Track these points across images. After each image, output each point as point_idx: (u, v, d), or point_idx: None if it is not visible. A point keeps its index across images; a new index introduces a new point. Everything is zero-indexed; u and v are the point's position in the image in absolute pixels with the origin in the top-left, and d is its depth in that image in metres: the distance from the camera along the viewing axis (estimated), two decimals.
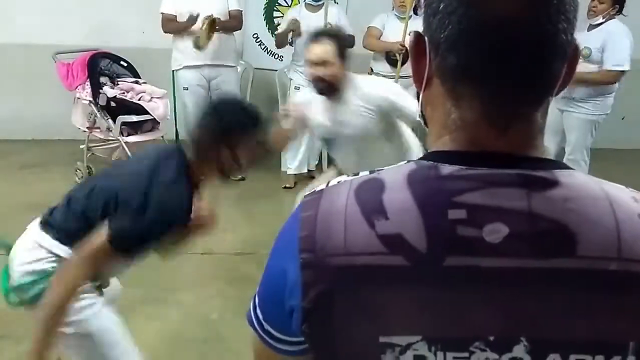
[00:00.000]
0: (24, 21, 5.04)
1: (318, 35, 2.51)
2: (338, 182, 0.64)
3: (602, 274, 0.54)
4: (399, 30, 4.11)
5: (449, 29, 0.56)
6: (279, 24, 4.56)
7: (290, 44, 4.44)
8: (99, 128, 4.20)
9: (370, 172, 0.63)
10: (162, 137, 4.33)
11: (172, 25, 4.22)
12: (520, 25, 0.54)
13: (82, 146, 4.27)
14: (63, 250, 1.68)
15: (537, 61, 0.56)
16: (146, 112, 4.09)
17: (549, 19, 0.55)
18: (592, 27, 3.73)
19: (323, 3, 4.24)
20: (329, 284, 0.58)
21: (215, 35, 4.19)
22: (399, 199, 0.58)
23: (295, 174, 4.62)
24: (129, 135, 4.16)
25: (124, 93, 4.17)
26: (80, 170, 4.32)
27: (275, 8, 5.23)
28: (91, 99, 4.09)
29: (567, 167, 0.60)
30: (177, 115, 4.61)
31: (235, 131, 1.75)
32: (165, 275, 3.09)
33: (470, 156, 0.58)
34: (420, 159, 0.62)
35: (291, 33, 4.25)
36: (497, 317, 0.55)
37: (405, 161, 0.63)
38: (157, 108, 4.12)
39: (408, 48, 0.63)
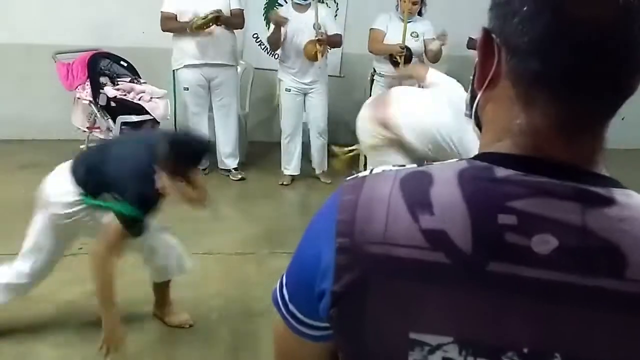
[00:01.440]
0: (24, 21, 5.04)
1: None
2: (383, 170, 0.62)
3: None
4: (401, 31, 4.11)
5: (532, 33, 0.54)
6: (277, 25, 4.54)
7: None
8: (99, 128, 4.20)
9: (419, 165, 0.62)
10: None
11: (171, 24, 4.22)
12: (604, 34, 0.52)
13: (82, 146, 4.26)
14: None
15: (617, 71, 0.54)
16: (146, 112, 4.09)
17: (633, 32, 0.53)
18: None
19: (309, 3, 4.23)
20: (364, 271, 0.57)
21: (216, 35, 4.20)
22: (447, 195, 0.56)
23: (292, 175, 4.63)
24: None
25: (124, 93, 4.17)
26: None
27: (275, 8, 5.23)
28: (91, 99, 4.09)
29: (623, 187, 0.58)
30: (177, 115, 4.61)
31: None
32: None
33: (528, 162, 0.56)
34: (474, 158, 0.60)
35: (278, 27, 4.22)
36: (533, 330, 0.54)
37: (457, 159, 0.61)
38: (157, 108, 4.12)
39: (476, 47, 0.62)
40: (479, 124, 0.65)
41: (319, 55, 4.20)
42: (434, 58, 4.22)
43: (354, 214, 0.58)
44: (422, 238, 0.55)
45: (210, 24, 4.12)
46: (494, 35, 0.59)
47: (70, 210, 2.26)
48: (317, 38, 4.14)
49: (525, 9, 0.55)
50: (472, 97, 0.64)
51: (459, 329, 0.55)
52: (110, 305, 2.18)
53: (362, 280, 0.57)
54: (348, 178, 0.64)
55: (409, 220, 0.56)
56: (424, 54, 4.29)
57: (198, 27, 4.08)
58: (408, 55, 4.13)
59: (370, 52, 4.31)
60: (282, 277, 0.69)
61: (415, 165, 0.62)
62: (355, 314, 0.58)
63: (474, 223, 0.54)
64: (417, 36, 4.19)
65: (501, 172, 0.56)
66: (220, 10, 4.15)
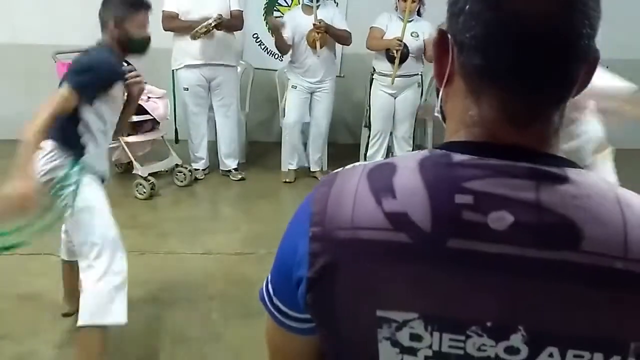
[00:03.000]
0: (24, 21, 5.04)
1: None
2: (354, 165, 0.67)
3: (606, 271, 0.54)
4: (401, 30, 4.11)
5: (474, 30, 0.57)
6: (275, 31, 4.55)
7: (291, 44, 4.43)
8: None
9: (385, 158, 0.67)
10: (162, 137, 4.34)
11: (173, 23, 4.22)
12: (544, 28, 0.55)
13: None
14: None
15: (559, 63, 0.57)
16: (146, 112, 4.09)
17: (573, 24, 0.56)
18: None
19: (319, 4, 4.24)
20: (334, 255, 0.60)
21: (216, 35, 4.21)
22: (409, 181, 0.59)
23: (295, 170, 4.63)
24: (128, 135, 4.16)
25: None
26: None
27: (275, 8, 5.23)
28: None
29: (578, 167, 0.61)
30: (177, 115, 4.61)
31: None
32: (165, 275, 3.09)
33: (483, 147, 0.60)
34: (434, 147, 0.64)
35: (284, 33, 4.23)
36: (495, 304, 0.56)
37: (419, 151, 0.65)
38: (157, 108, 4.12)
39: (432, 44, 0.65)
40: (444, 118, 0.68)
41: (317, 44, 4.21)
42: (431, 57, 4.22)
43: (326, 204, 0.62)
44: (385, 220, 0.58)
45: (212, 30, 4.13)
46: (448, 34, 0.62)
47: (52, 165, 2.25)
48: (315, 25, 4.15)
49: (467, 7, 0.58)
50: (437, 93, 0.69)
51: (424, 305, 0.58)
52: (32, 147, 2.19)
53: (332, 264, 0.60)
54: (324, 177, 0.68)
55: (373, 205, 0.59)
56: (423, 55, 4.29)
57: (203, 31, 4.10)
58: (405, 52, 4.12)
59: (368, 48, 4.31)
60: (268, 275, 0.73)
61: (381, 159, 0.68)
62: (327, 297, 0.61)
63: (432, 204, 0.57)
64: (418, 36, 4.19)
65: (458, 157, 0.60)
66: (222, 16, 4.15)
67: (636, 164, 5.07)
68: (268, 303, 0.71)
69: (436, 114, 0.70)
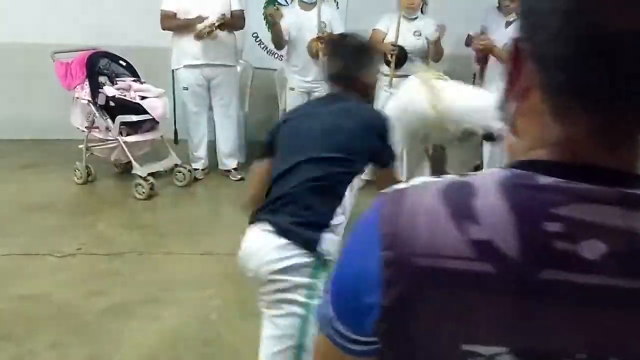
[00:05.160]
0: (24, 21, 5.04)
1: None
2: (423, 182, 0.62)
3: None
4: (406, 32, 4.10)
5: (562, 45, 0.53)
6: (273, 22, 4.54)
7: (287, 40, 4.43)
8: (97, 128, 4.19)
9: (457, 175, 0.61)
10: (162, 137, 4.33)
11: (171, 22, 4.22)
12: (638, 43, 0.51)
13: (80, 146, 4.26)
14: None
15: None
16: (145, 112, 4.08)
17: None
18: (508, 24, 3.79)
19: (315, 2, 4.23)
20: (412, 284, 0.57)
21: (217, 34, 4.21)
22: (491, 204, 0.56)
23: None
24: (128, 135, 4.16)
25: (123, 92, 4.16)
26: (79, 170, 4.31)
27: (274, 6, 5.22)
28: (90, 98, 4.08)
29: None
30: (177, 114, 4.61)
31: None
32: (165, 275, 3.09)
33: (569, 169, 0.56)
34: (513, 166, 0.59)
35: (283, 30, 4.22)
36: (587, 336, 0.54)
37: (495, 168, 0.61)
38: (156, 108, 4.11)
39: (504, 55, 0.62)
40: (512, 131, 0.64)
41: (321, 54, 4.21)
42: (436, 55, 4.21)
43: (398, 226, 0.58)
44: (469, 249, 0.55)
45: (215, 30, 4.13)
46: (522, 46, 0.58)
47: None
48: (318, 35, 4.14)
49: (553, 20, 0.53)
50: (503, 106, 0.64)
51: (513, 338, 0.55)
52: None
53: (410, 293, 0.57)
54: (384, 190, 0.63)
55: (454, 232, 0.55)
56: (428, 54, 4.28)
57: (204, 35, 4.10)
58: (402, 55, 4.10)
59: None
60: (325, 297, 0.69)
61: (453, 176, 0.61)
62: (404, 328, 0.58)
63: (520, 231, 0.54)
64: (420, 35, 4.17)
65: (543, 179, 0.56)
66: (225, 15, 4.16)
67: None
68: (327, 326, 0.67)
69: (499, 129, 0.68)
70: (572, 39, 0.52)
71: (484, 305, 0.55)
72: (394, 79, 4.20)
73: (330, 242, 1.72)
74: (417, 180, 0.63)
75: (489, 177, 0.58)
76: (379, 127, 1.83)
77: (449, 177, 0.61)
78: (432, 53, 4.17)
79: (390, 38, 4.16)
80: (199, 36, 4.12)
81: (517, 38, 0.59)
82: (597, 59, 0.52)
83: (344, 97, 1.90)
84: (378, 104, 4.42)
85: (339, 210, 1.78)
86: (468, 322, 0.55)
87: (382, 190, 0.63)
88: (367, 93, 2.01)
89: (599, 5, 0.51)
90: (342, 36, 2.32)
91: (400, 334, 0.59)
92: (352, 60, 1.91)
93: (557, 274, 0.53)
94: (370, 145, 1.81)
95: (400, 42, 4.07)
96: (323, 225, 1.72)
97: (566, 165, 0.56)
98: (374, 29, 4.26)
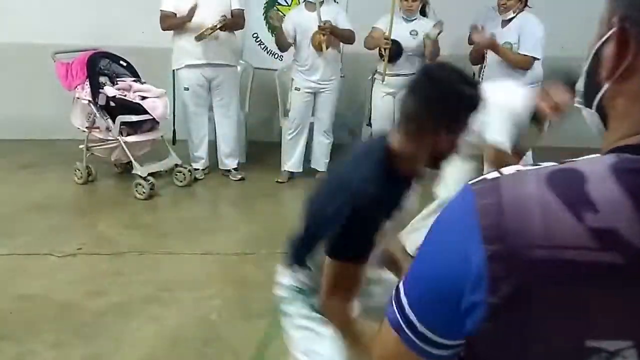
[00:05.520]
0: (24, 21, 5.04)
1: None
2: (516, 170, 0.58)
3: None
4: (403, 31, 4.11)
5: None
6: (275, 27, 4.56)
7: (293, 42, 4.43)
8: (98, 128, 4.19)
9: (555, 163, 0.57)
10: (162, 137, 4.34)
11: (171, 21, 4.22)
12: None
13: (81, 146, 4.26)
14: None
15: None
16: (145, 112, 4.09)
17: None
18: (505, 22, 3.82)
19: (322, 1, 4.24)
20: (526, 278, 0.52)
21: (218, 35, 4.22)
22: (607, 190, 0.52)
23: (290, 171, 4.64)
24: (128, 135, 4.16)
25: (123, 93, 4.16)
26: (79, 170, 4.32)
27: (275, 8, 5.23)
28: (90, 98, 4.08)
29: None
30: (177, 115, 4.61)
31: (462, 114, 1.43)
32: (165, 275, 3.09)
33: None
34: (618, 151, 0.56)
35: (286, 32, 4.24)
36: None
37: (595, 155, 0.57)
38: (157, 108, 4.12)
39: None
40: (602, 117, 0.61)
41: (323, 46, 4.21)
42: (432, 54, 4.22)
43: (502, 216, 0.53)
44: (591, 238, 0.51)
45: (217, 30, 4.15)
46: (629, 26, 0.55)
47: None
48: (320, 26, 4.15)
49: None
50: (591, 88, 0.61)
51: (638, 331, 0.52)
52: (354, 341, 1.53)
53: (525, 288, 0.52)
54: (471, 181, 0.59)
55: (572, 220, 0.51)
56: (424, 52, 4.28)
57: (209, 32, 4.13)
58: (396, 50, 4.11)
59: (365, 47, 4.35)
60: (400, 298, 0.63)
61: (551, 164, 0.57)
62: (517, 326, 0.54)
63: None
64: (417, 34, 4.18)
65: None
66: (225, 17, 4.17)
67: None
68: (408, 331, 0.61)
69: (580, 107, 0.63)
70: None
71: (608, 298, 0.51)
72: (386, 77, 4.22)
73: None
74: (505, 170, 0.58)
75: (597, 163, 0.55)
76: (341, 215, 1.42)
77: (547, 165, 0.57)
78: (429, 51, 4.16)
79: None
80: (200, 38, 4.13)
81: (623, 17, 0.55)
82: None
83: (372, 148, 1.53)
84: (375, 103, 4.46)
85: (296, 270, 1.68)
86: (591, 317, 0.52)
87: (468, 184, 0.59)
88: (434, 158, 1.49)
89: None
90: (440, 66, 1.59)
91: (512, 333, 0.54)
92: (436, 105, 1.40)
93: None
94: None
95: (394, 38, 4.09)
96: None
97: None
98: (373, 27, 4.28)
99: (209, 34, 4.13)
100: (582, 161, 0.56)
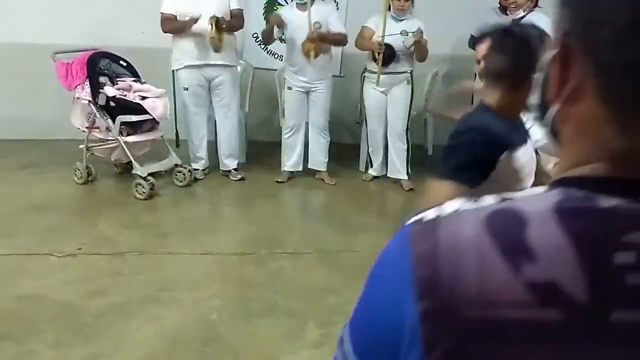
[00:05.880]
0: (24, 21, 5.04)
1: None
2: (456, 209, 0.52)
3: None
4: (393, 31, 4.15)
5: (633, 47, 0.44)
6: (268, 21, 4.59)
7: (281, 40, 4.45)
8: (98, 128, 4.19)
9: (499, 199, 0.51)
10: (162, 137, 4.34)
11: (172, 25, 4.22)
12: None
13: (81, 146, 4.27)
14: None
15: None
16: (145, 112, 4.09)
17: None
18: (515, 21, 3.81)
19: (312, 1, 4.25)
20: (461, 339, 0.47)
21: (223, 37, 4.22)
22: (549, 236, 0.47)
23: (290, 171, 4.64)
24: (128, 135, 4.16)
25: (123, 93, 4.17)
26: (79, 170, 4.32)
27: (275, 8, 5.23)
28: (90, 98, 4.08)
29: None
30: (177, 115, 4.61)
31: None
32: (165, 275, 3.09)
33: (633, 186, 0.47)
34: (565, 185, 0.50)
35: (275, 27, 4.25)
36: None
37: (541, 189, 0.51)
38: (157, 108, 4.12)
39: (550, 51, 0.52)
40: (554, 134, 0.56)
41: (312, 53, 4.22)
42: (420, 55, 4.26)
43: (437, 268, 0.48)
44: (528, 293, 0.46)
45: (222, 34, 4.15)
46: (572, 41, 0.49)
47: None
48: (309, 37, 4.16)
49: (619, 17, 0.44)
50: (543, 106, 0.56)
51: None
52: None
53: (460, 349, 0.48)
54: (411, 220, 0.54)
55: (508, 272, 0.46)
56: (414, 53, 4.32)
57: (218, 43, 4.16)
58: (390, 54, 4.14)
59: (356, 47, 4.37)
60: (344, 343, 0.59)
61: (493, 199, 0.52)
62: None
63: (587, 267, 0.45)
64: (407, 34, 4.22)
65: (606, 201, 0.47)
66: (223, 18, 4.17)
67: None
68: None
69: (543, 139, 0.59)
70: None
71: (549, 357, 0.47)
72: (381, 76, 4.25)
73: None
74: (448, 206, 0.53)
75: (539, 202, 0.49)
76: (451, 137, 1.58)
77: (489, 202, 0.51)
78: (416, 53, 4.23)
79: (378, 36, 4.22)
80: (217, 49, 4.19)
81: (565, 31, 0.50)
82: None
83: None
84: (367, 101, 4.50)
85: None
86: None
87: (408, 219, 0.54)
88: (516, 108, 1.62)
89: None
90: (518, 26, 1.83)
91: None
92: (524, 59, 1.52)
93: (630, 314, 0.46)
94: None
95: (386, 41, 4.14)
96: None
97: (628, 182, 0.47)
98: (363, 26, 4.32)
99: (217, 43, 4.14)
100: (525, 199, 0.51)
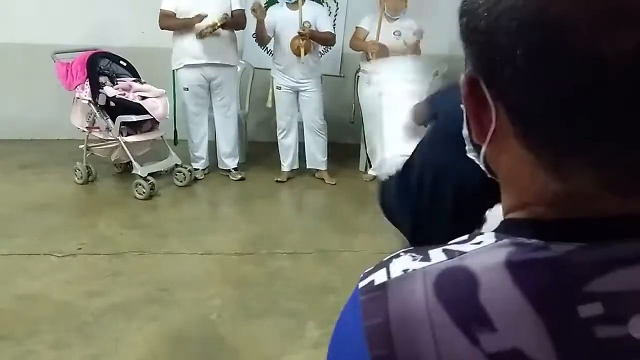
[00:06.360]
0: (24, 21, 5.04)
1: None
2: (404, 269, 0.47)
3: None
4: (385, 31, 4.15)
5: (545, 89, 0.40)
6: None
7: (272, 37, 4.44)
8: (98, 128, 4.19)
9: (447, 256, 0.46)
10: (162, 137, 4.34)
11: (170, 21, 4.22)
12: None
13: (81, 146, 4.27)
14: None
15: None
16: (145, 112, 4.09)
17: None
18: None
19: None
20: None
21: (216, 34, 4.22)
22: (504, 298, 0.42)
23: (290, 170, 4.64)
24: (128, 135, 4.16)
25: (123, 93, 4.17)
26: (79, 170, 4.32)
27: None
28: (90, 98, 4.08)
29: None
30: (177, 114, 4.61)
31: None
32: (165, 275, 3.09)
33: (584, 228, 0.43)
34: (514, 231, 0.45)
35: (260, 20, 4.22)
36: None
37: (493, 240, 0.46)
38: (157, 108, 4.12)
39: (463, 97, 0.48)
40: (490, 172, 0.52)
41: (302, 51, 4.22)
42: (414, 54, 4.27)
43: (391, 346, 0.44)
44: None
45: (218, 29, 4.15)
46: (483, 85, 0.45)
47: None
48: (299, 32, 4.16)
49: (520, 52, 0.39)
50: (472, 140, 0.51)
51: None
52: None
53: None
54: (361, 282, 0.49)
55: (466, 345, 0.42)
56: (406, 53, 4.33)
57: (207, 34, 4.12)
58: (384, 54, 4.15)
59: (350, 47, 4.37)
60: None
61: (440, 255, 0.47)
62: None
63: (550, 328, 0.41)
64: (400, 35, 4.23)
65: (558, 247, 0.43)
66: (227, 15, 4.18)
67: None
68: None
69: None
70: (566, 79, 0.39)
71: None
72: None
73: None
74: (397, 265, 0.48)
75: (489, 256, 0.44)
76: None
77: (437, 259, 0.46)
78: (410, 53, 4.24)
79: (372, 37, 4.23)
80: (202, 35, 4.13)
81: (472, 75, 0.45)
82: (602, 101, 0.38)
83: None
84: (362, 101, 4.51)
85: None
86: None
87: (359, 282, 0.49)
88: None
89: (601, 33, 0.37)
90: None
91: None
92: None
93: None
94: None
95: (380, 41, 4.14)
96: None
97: (577, 223, 0.43)
98: (357, 27, 4.33)
99: (211, 32, 4.13)
100: (473, 254, 0.45)
